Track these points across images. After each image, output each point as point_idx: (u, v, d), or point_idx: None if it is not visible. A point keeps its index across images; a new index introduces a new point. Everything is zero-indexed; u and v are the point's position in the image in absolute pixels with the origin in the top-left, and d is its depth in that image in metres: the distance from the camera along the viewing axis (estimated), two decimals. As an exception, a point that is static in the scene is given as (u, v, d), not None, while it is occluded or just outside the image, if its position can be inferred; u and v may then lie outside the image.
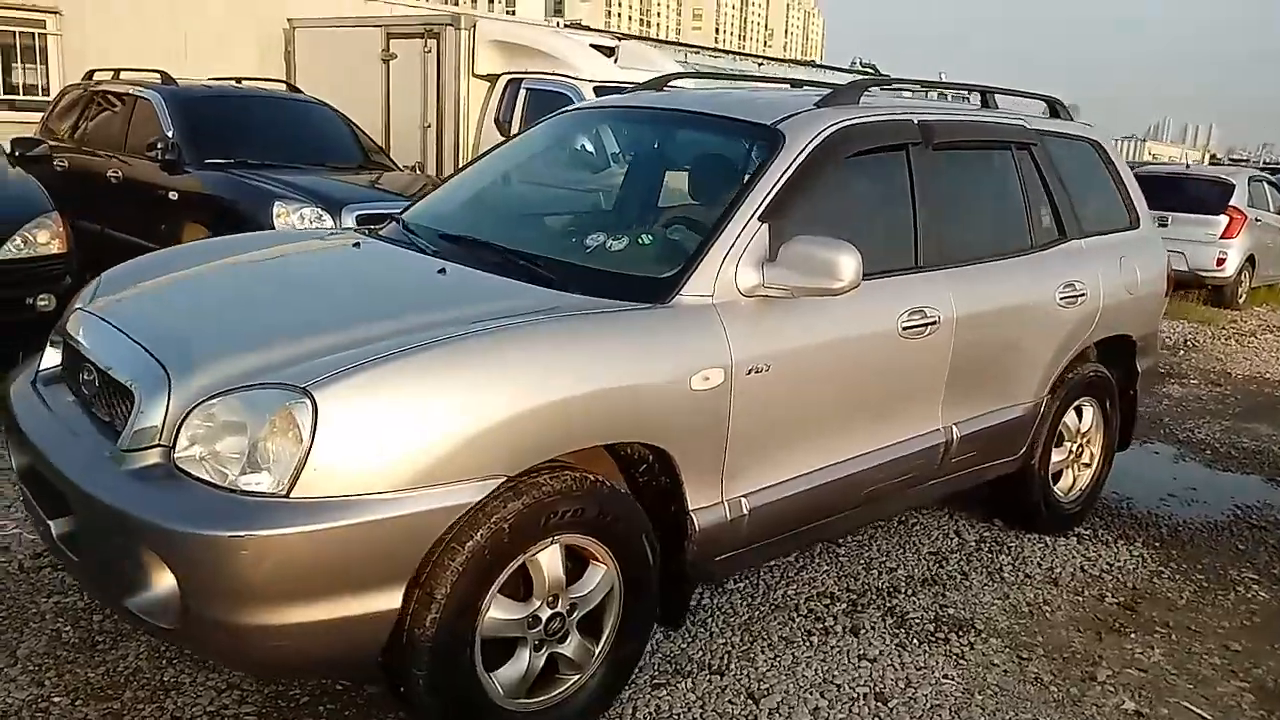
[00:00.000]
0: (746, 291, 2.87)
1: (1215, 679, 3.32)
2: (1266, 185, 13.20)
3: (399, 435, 2.22)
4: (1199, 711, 3.12)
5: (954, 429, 3.64)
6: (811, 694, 2.99)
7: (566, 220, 3.84)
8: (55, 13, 11.20)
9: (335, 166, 7.23)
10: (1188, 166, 15.29)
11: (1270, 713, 3.16)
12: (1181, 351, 9.10)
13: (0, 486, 3.87)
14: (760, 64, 15.24)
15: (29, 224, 5.10)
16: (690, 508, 2.80)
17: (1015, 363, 3.94)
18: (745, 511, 2.93)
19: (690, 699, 2.91)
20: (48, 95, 10.27)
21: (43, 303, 4.93)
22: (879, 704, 2.97)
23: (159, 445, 2.28)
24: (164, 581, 2.19)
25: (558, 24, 14.46)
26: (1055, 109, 4.70)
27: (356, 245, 3.44)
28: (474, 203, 3.85)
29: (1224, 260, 11.82)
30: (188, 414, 2.27)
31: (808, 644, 3.27)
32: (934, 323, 3.41)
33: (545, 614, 2.54)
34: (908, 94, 5.22)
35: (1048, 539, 4.33)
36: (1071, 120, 4.76)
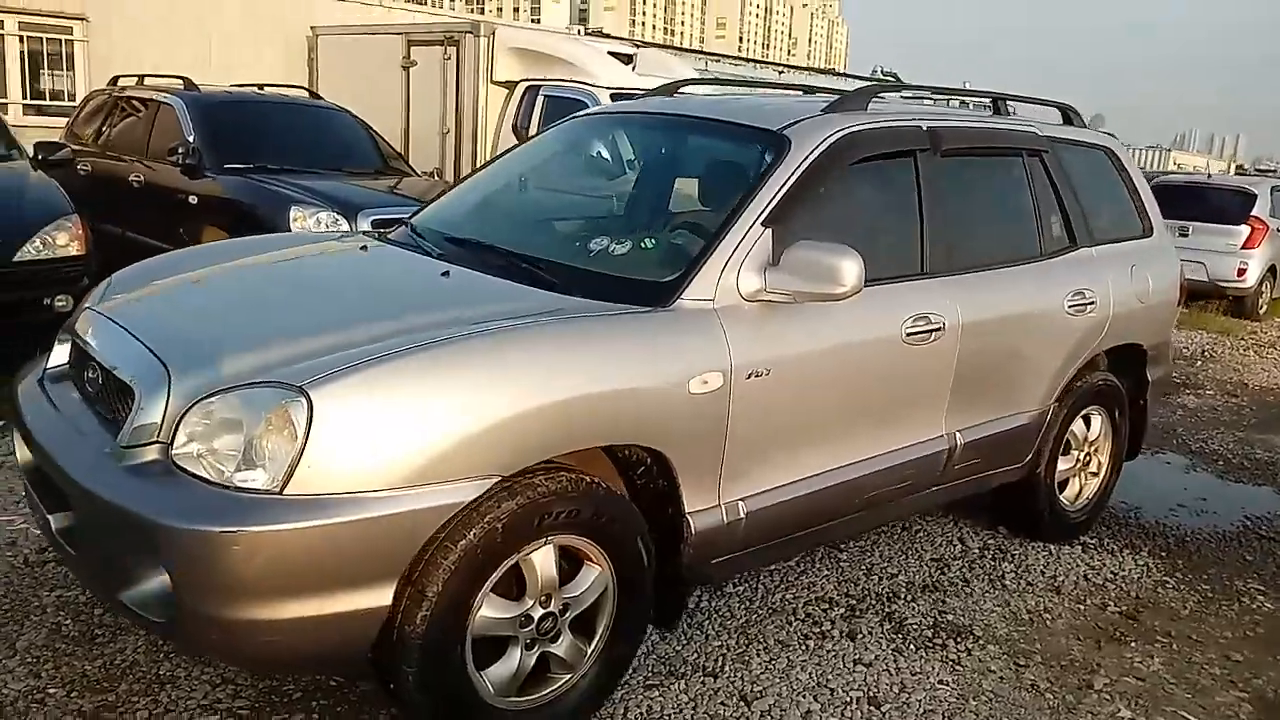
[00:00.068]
0: (748, 296, 2.89)
1: (1214, 689, 3.30)
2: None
3: (394, 434, 2.25)
4: (1196, 721, 3.11)
5: (958, 436, 3.65)
6: (804, 697, 2.99)
7: (572, 225, 3.87)
8: (82, 19, 11.39)
9: (353, 172, 7.33)
10: (1209, 176, 15.15)
11: (1269, 724, 3.15)
12: (1199, 362, 9.02)
13: (9, 482, 3.95)
14: (781, 72, 15.30)
15: (49, 226, 5.20)
16: (687, 510, 2.82)
17: (1022, 370, 3.94)
18: (743, 515, 2.94)
19: (682, 700, 2.92)
20: (74, 101, 10.44)
21: (60, 303, 5.01)
22: (872, 708, 2.98)
23: (157, 442, 2.32)
24: (158, 576, 2.24)
25: (578, 31, 14.53)
26: (1069, 116, 4.69)
27: (363, 248, 3.48)
28: (481, 207, 3.89)
29: (1245, 271, 11.70)
30: (186, 411, 2.31)
31: (803, 648, 3.27)
32: (939, 329, 3.41)
33: (538, 613, 2.57)
34: (928, 101, 5.23)
35: (1052, 547, 4.31)
36: (1085, 128, 4.75)
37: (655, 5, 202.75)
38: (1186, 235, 11.58)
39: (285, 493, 2.18)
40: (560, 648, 2.64)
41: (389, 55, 10.61)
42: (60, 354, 3.00)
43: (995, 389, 3.82)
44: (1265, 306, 12.28)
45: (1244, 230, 11.77)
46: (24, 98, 11.30)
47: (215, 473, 2.25)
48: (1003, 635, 3.51)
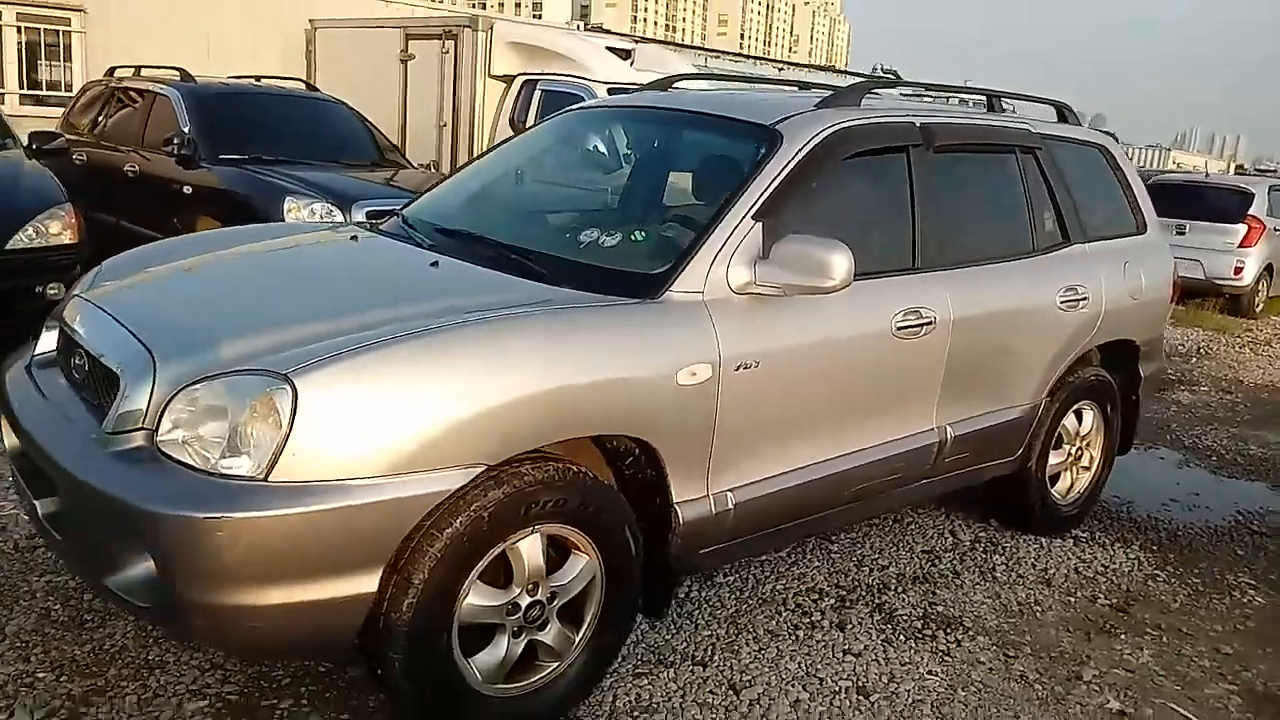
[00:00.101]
0: (738, 289, 2.89)
1: (1204, 681, 3.31)
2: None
3: (378, 423, 2.25)
4: (1184, 712, 3.11)
5: (948, 429, 3.65)
6: (793, 686, 3.00)
7: (564, 217, 3.87)
8: (80, 11, 11.37)
9: (349, 164, 7.32)
10: (1207, 175, 15.15)
11: (1257, 715, 3.15)
12: (1194, 359, 9.03)
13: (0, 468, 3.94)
14: (780, 69, 15.27)
15: (42, 215, 5.21)
16: (675, 501, 2.82)
17: (1013, 365, 3.94)
18: (731, 506, 2.94)
19: (671, 688, 2.93)
20: (71, 91, 10.43)
21: (53, 291, 5.01)
22: (860, 697, 2.98)
23: (143, 428, 2.32)
24: (143, 562, 2.24)
25: (578, 27, 14.50)
26: (1063, 114, 4.69)
27: (353, 238, 3.48)
28: (473, 199, 3.89)
29: (1241, 269, 11.71)
30: (171, 398, 2.31)
31: (793, 638, 3.28)
32: (929, 323, 3.41)
33: (525, 601, 2.57)
34: (928, 98, 5.23)
35: (1043, 540, 4.31)
36: (1080, 125, 4.75)
37: (657, 1, 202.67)
38: (1184, 233, 11.58)
39: (270, 480, 2.18)
40: (548, 636, 2.65)
41: (387, 49, 10.59)
42: (48, 341, 3.00)
43: (986, 383, 3.82)
44: (1261, 305, 12.29)
45: (1241, 229, 11.78)
46: (21, 88, 11.29)
47: (200, 459, 2.25)
48: (993, 626, 3.51)
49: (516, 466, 2.47)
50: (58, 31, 11.38)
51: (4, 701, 2.59)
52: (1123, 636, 3.55)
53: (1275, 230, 12.10)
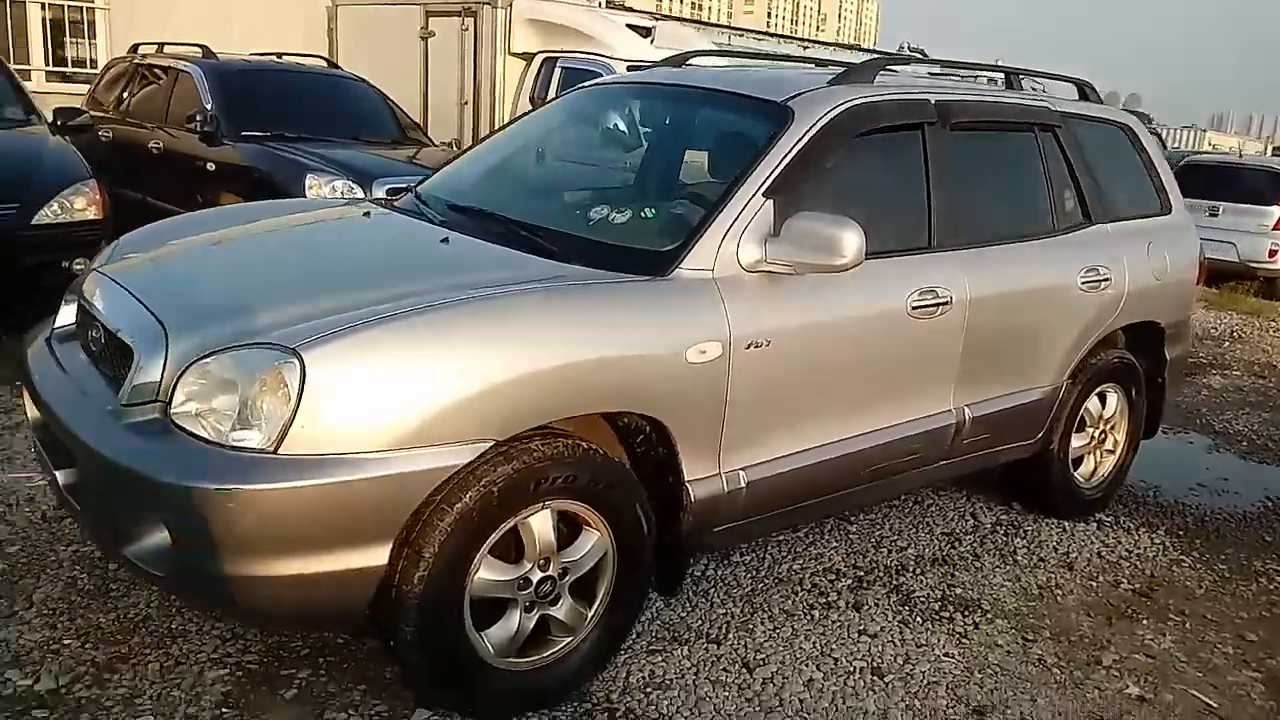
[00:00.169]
0: (748, 266, 2.86)
1: (1226, 668, 3.26)
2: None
3: (386, 397, 2.25)
4: (1205, 699, 3.07)
5: (966, 410, 3.60)
6: (807, 665, 2.98)
7: (576, 194, 3.85)
8: (104, -12, 11.41)
9: (370, 141, 7.33)
10: (1241, 156, 14.89)
11: (1280, 703, 3.11)
12: (1227, 343, 8.88)
13: (29, 440, 3.97)
14: (805, 47, 15.13)
15: (66, 190, 5.23)
16: (686, 479, 2.81)
17: (1033, 346, 3.88)
18: (743, 484, 2.92)
19: (685, 665, 2.92)
20: (96, 68, 10.47)
21: (78, 266, 5.02)
22: (875, 678, 2.96)
23: (157, 401, 2.34)
24: (159, 532, 2.26)
25: (599, 4, 14.41)
26: (1085, 92, 4.60)
27: (367, 214, 3.48)
28: (486, 175, 3.87)
29: (1276, 252, 11.52)
30: (184, 371, 2.32)
31: (809, 618, 3.26)
32: (945, 303, 3.37)
33: (536, 576, 2.56)
34: (946, 76, 5.15)
35: (1066, 524, 4.27)
36: (1101, 103, 4.66)
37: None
38: (1217, 215, 11.41)
39: (280, 452, 2.18)
40: (560, 611, 2.64)
41: (407, 26, 10.58)
42: (67, 314, 3.02)
43: (1005, 364, 3.77)
44: (1295, 289, 12.09)
45: (1275, 211, 11.58)
46: (47, 65, 11.35)
47: (213, 432, 2.26)
48: (1011, 610, 3.48)
49: (526, 442, 2.46)
50: (82, 9, 11.42)
51: (31, 667, 2.64)
52: (1145, 622, 3.50)
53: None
